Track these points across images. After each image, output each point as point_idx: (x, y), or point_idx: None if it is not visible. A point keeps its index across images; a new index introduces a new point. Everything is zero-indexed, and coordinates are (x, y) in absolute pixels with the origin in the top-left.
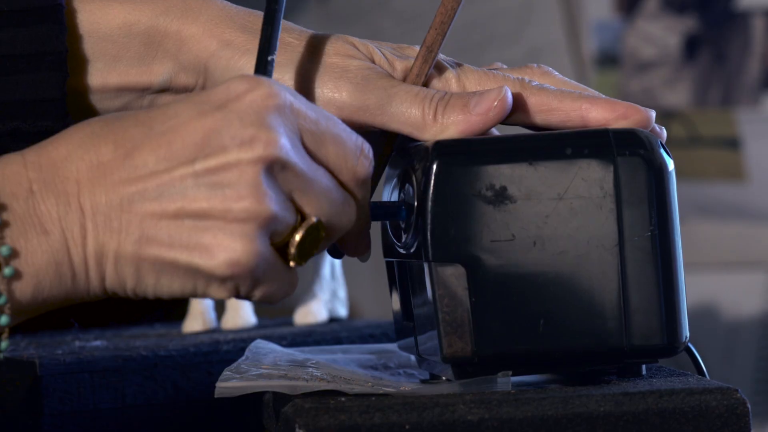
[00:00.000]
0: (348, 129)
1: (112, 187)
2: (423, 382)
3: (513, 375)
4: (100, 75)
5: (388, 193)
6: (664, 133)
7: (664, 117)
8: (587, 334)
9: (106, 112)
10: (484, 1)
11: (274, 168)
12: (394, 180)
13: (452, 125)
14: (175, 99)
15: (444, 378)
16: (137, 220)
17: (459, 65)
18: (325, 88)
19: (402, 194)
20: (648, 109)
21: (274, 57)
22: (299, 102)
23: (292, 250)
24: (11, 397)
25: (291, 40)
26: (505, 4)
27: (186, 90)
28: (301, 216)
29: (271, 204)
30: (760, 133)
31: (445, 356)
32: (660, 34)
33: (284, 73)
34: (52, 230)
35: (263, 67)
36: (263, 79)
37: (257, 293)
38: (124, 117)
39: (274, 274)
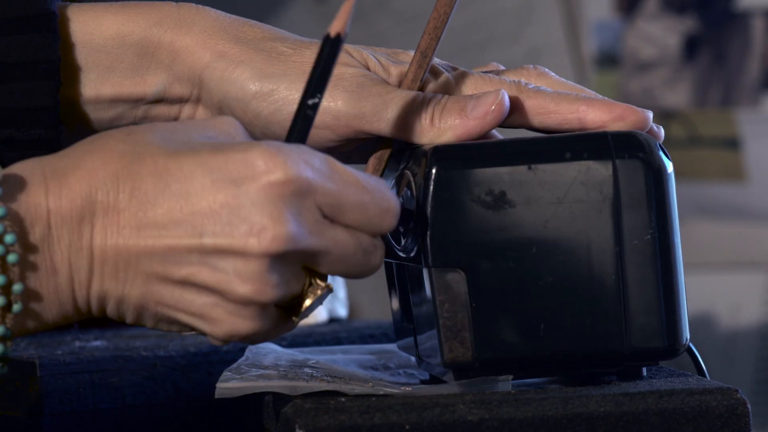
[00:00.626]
0: (377, 188)
1: (123, 239)
2: (423, 382)
3: (514, 378)
4: (93, 85)
5: None
6: (662, 132)
7: (664, 117)
8: (588, 338)
9: (100, 122)
10: (484, 2)
11: (284, 254)
12: (392, 183)
13: (449, 130)
14: (169, 110)
15: (444, 379)
16: (143, 277)
17: (455, 69)
18: None
19: (401, 198)
20: (645, 110)
21: (319, 101)
22: (318, 176)
23: (299, 312)
24: (11, 397)
25: (285, 49)
26: (505, 4)
27: (181, 101)
28: (311, 278)
29: (276, 289)
30: (759, 134)
31: (445, 361)
32: (660, 35)
33: (279, 84)
34: (60, 270)
35: (302, 111)
36: (283, 158)
37: (251, 341)
38: (144, 157)
39: (273, 330)
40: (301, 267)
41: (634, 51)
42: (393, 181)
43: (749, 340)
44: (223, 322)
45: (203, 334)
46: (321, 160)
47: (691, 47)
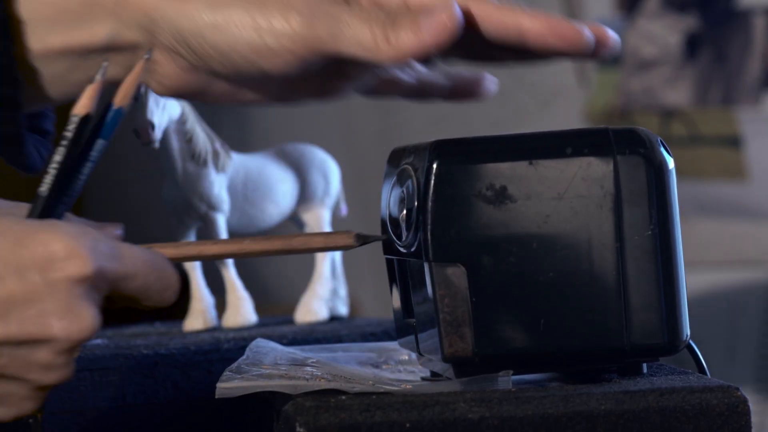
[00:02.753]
0: (161, 267)
1: None
2: (424, 379)
3: (514, 374)
4: (40, 39)
5: (388, 192)
6: (611, 40)
7: (665, 116)
8: (588, 334)
9: (53, 76)
10: None
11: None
12: (394, 178)
13: (406, 48)
14: (122, 58)
15: (444, 376)
16: None
17: None
18: (274, 21)
19: (402, 192)
20: (585, 30)
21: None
22: (111, 262)
23: None
24: None
25: None
26: (506, 3)
27: (134, 47)
28: None
29: (68, 373)
30: (760, 132)
31: (445, 356)
32: (661, 33)
33: (232, 12)
34: None
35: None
36: (84, 251)
37: None
38: None
39: None
40: None
41: (635, 49)
42: (395, 177)
43: (750, 338)
44: (15, 406)
45: None
46: (109, 245)
47: (692, 46)
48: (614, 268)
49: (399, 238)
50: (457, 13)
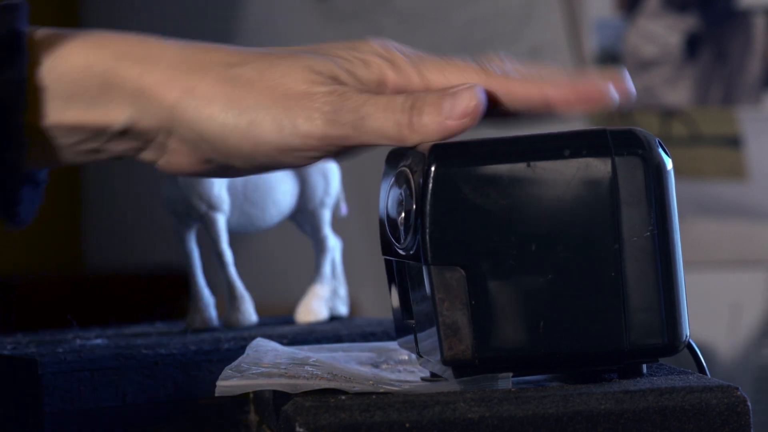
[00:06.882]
0: None
1: None
2: (423, 379)
3: (513, 376)
4: (56, 111)
5: (386, 192)
6: (632, 87)
7: (666, 115)
8: (588, 335)
9: (60, 147)
10: (485, 0)
11: None
12: (392, 179)
13: (430, 133)
14: (136, 144)
15: (444, 377)
16: None
17: (417, 56)
18: (298, 123)
19: (400, 195)
20: (605, 84)
21: None
22: None
23: None
24: (12, 396)
25: (250, 75)
26: (507, 2)
27: (149, 133)
28: None
29: None
30: (760, 132)
31: (445, 359)
32: (661, 33)
33: (255, 115)
34: None
35: None
36: None
37: None
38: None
39: None
40: None
41: (636, 49)
42: (393, 178)
43: (750, 338)
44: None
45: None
46: None
47: (692, 45)
48: (613, 269)
49: (397, 240)
50: (480, 96)
